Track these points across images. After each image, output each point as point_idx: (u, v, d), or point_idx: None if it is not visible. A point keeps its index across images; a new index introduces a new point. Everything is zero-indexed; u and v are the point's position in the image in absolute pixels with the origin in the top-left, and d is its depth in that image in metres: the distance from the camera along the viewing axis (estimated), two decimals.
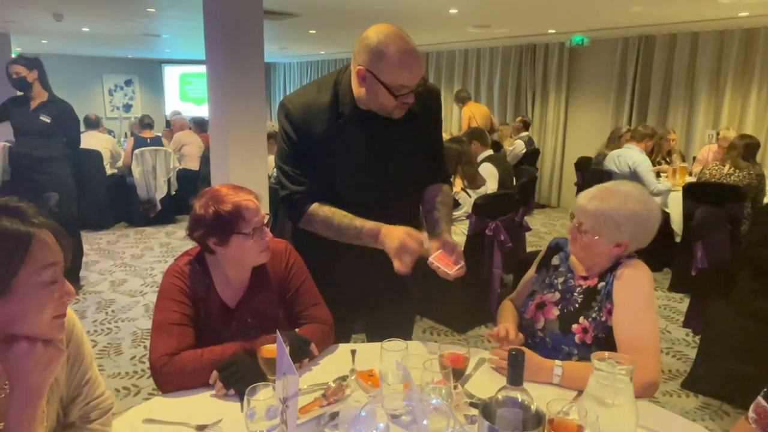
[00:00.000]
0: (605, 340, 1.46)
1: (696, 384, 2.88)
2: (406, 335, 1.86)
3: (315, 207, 1.58)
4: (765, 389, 1.07)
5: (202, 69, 3.72)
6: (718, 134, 5.56)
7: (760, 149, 4.68)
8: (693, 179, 4.89)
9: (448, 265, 1.49)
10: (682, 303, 4.13)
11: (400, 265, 1.45)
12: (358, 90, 1.53)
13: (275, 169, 4.42)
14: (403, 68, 1.44)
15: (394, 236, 1.48)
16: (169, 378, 1.34)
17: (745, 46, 6.08)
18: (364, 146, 1.58)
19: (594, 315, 1.49)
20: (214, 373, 1.33)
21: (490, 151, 4.40)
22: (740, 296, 2.65)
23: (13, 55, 4.13)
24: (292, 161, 1.60)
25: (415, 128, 1.63)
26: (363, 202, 1.60)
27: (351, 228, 1.55)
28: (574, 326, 1.51)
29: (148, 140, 6.33)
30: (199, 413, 1.24)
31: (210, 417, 1.22)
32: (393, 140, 1.60)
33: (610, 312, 1.47)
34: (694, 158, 6.06)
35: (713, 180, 4.39)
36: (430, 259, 1.51)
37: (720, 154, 4.94)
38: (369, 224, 1.54)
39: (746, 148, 4.34)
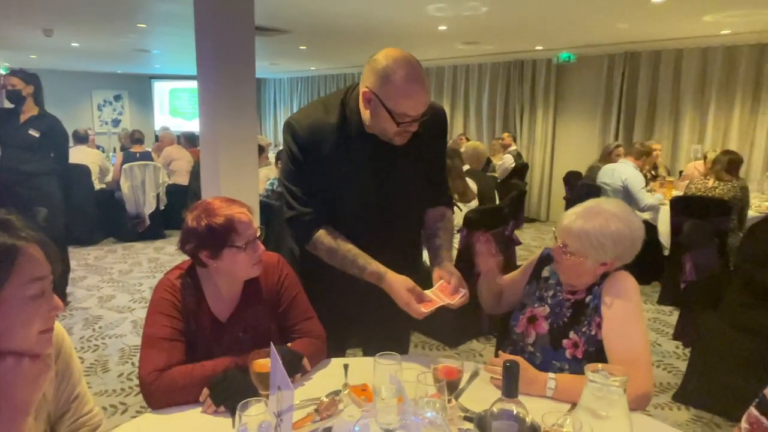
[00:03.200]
0: (596, 354, 1.46)
1: (687, 396, 2.88)
2: (403, 350, 1.85)
3: (321, 234, 1.57)
4: (757, 399, 1.08)
5: (192, 84, 3.72)
6: (705, 157, 5.62)
7: (743, 164, 4.75)
8: (679, 193, 4.95)
9: (449, 296, 1.51)
10: (671, 316, 4.15)
11: (412, 315, 1.49)
12: (364, 112, 1.51)
13: (269, 184, 4.45)
14: (407, 97, 1.42)
15: (397, 294, 1.49)
16: (159, 394, 1.31)
17: (727, 63, 6.22)
18: (370, 168, 1.57)
19: (584, 329, 1.50)
20: (205, 391, 1.31)
21: (466, 166, 4.47)
22: (730, 309, 2.67)
23: (2, 71, 4.09)
24: (299, 182, 1.58)
25: (421, 151, 1.62)
26: (365, 222, 1.60)
27: (354, 266, 1.55)
28: (565, 341, 1.51)
29: (138, 155, 6.30)
30: (190, 430, 1.22)
31: None
32: (398, 163, 1.59)
33: (599, 325, 1.47)
34: (681, 173, 6.13)
35: (699, 194, 4.45)
36: (429, 292, 1.52)
37: (707, 172, 5.01)
38: (372, 266, 1.54)
39: (729, 164, 4.41)
